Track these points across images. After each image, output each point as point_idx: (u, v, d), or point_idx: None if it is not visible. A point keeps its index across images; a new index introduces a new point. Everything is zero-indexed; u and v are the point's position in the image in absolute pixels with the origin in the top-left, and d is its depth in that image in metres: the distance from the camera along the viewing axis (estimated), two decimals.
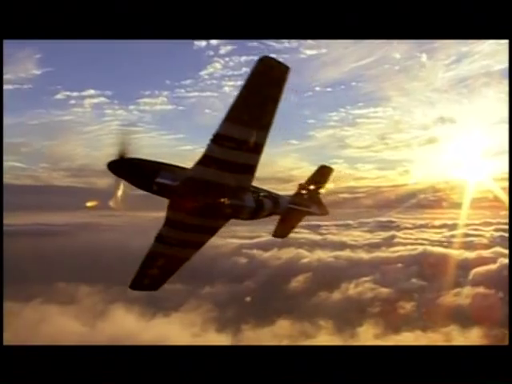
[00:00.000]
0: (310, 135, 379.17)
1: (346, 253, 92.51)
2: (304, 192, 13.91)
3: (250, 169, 11.13)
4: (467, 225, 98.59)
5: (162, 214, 12.19)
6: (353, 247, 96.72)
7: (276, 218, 14.03)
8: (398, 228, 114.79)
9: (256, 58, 9.75)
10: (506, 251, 69.90)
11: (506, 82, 10.68)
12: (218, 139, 10.47)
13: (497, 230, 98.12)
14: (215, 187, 11.20)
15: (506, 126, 10.76)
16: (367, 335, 59.32)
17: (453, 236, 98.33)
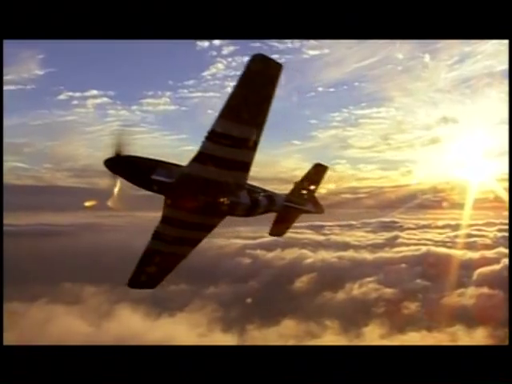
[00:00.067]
0: (313, 136, 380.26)
1: (350, 253, 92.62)
2: (299, 190, 13.91)
3: (245, 166, 11.20)
4: (470, 225, 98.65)
5: None
6: (356, 247, 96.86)
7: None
8: (401, 228, 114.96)
9: None
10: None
11: (507, 83, 10.68)
12: (212, 136, 10.58)
13: (500, 231, 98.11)
14: (210, 184, 11.28)
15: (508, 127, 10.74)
16: (373, 335, 59.32)
17: (456, 236, 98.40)
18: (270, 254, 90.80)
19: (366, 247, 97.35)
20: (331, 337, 58.00)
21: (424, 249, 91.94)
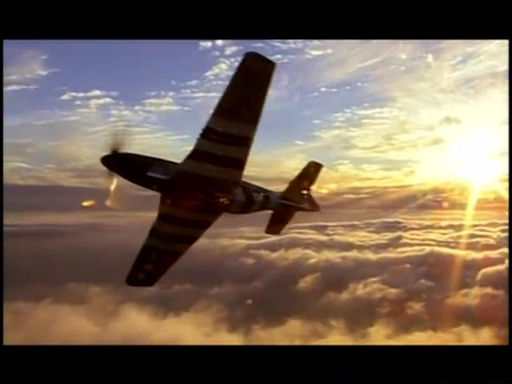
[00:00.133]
0: (316, 136, 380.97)
1: (353, 253, 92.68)
2: (294, 188, 13.86)
3: (240, 163, 11.23)
4: (474, 225, 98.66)
5: None
6: (360, 248, 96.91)
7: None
8: (405, 229, 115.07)
9: None
10: None
11: (508, 82, 10.70)
12: (207, 133, 10.64)
13: (503, 231, 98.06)
14: (206, 181, 11.31)
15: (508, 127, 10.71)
16: (379, 335, 59.32)
17: (460, 237, 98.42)
18: (274, 254, 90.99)
19: (370, 247, 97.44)
20: (337, 337, 57.99)
21: (428, 249, 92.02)
